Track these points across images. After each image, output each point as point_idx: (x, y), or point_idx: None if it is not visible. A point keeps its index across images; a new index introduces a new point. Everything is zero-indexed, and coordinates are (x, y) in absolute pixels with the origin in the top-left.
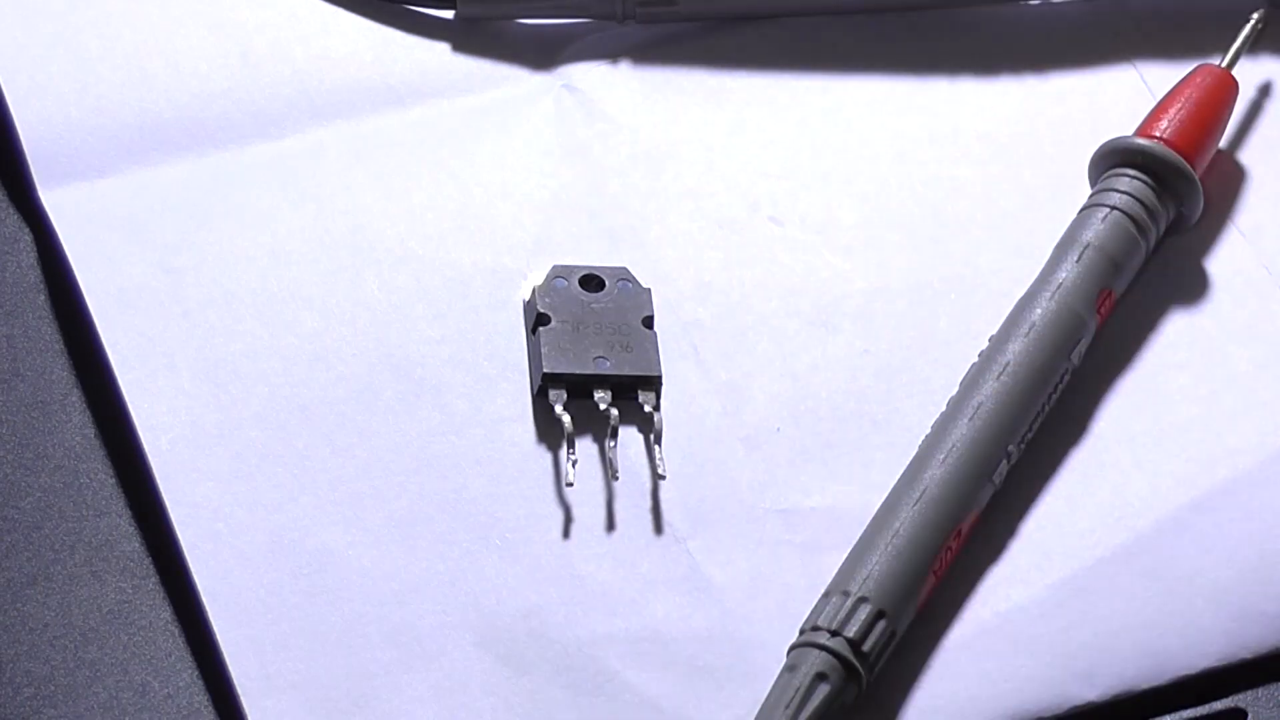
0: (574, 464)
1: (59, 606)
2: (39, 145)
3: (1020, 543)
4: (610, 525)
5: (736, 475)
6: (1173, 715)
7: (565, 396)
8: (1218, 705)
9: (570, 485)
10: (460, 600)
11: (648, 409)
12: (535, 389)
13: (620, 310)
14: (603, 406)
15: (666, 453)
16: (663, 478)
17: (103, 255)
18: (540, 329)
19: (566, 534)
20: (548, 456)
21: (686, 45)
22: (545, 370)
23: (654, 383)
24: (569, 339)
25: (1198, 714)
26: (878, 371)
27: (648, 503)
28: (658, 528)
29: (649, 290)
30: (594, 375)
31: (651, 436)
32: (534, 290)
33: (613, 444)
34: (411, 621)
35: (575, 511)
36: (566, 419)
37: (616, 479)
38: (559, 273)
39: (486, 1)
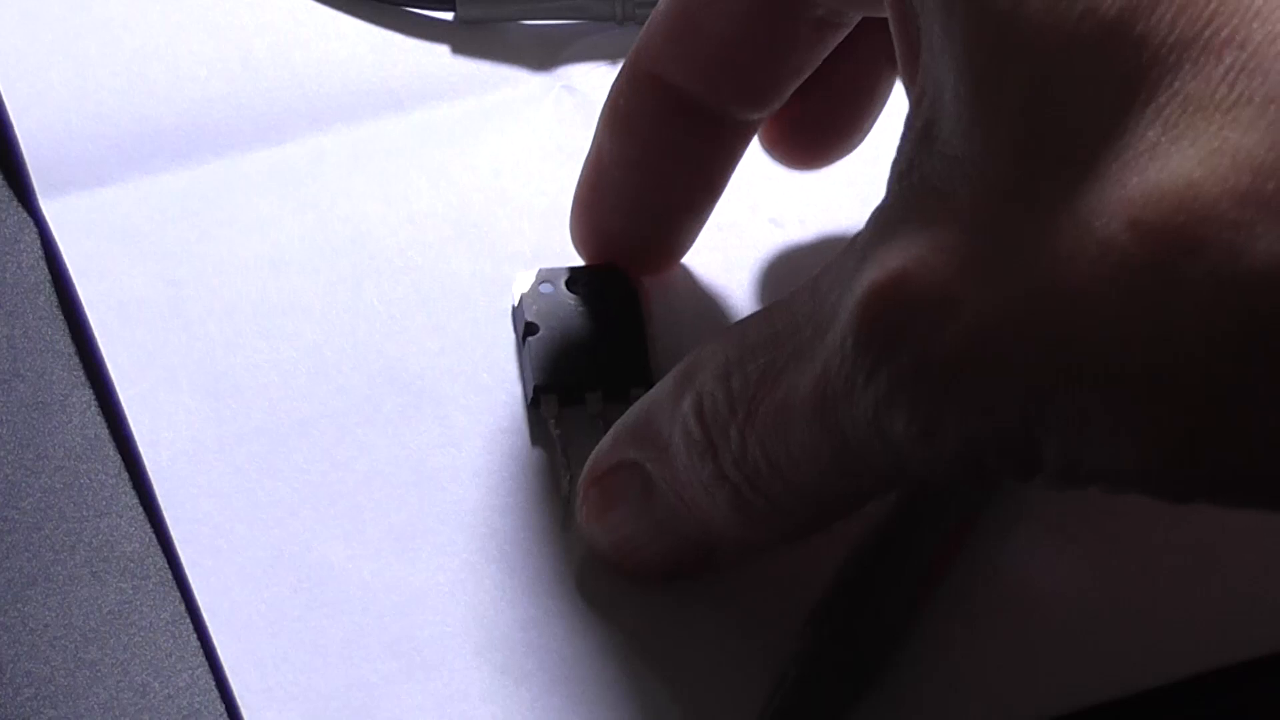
0: (570, 479)
1: (59, 606)
2: (39, 153)
3: (1020, 542)
4: None
5: None
6: (1173, 715)
7: (557, 407)
8: (1218, 705)
9: (567, 497)
10: (460, 611)
11: None
12: (528, 399)
13: (609, 310)
14: (593, 412)
15: None
16: None
17: (103, 266)
18: (529, 339)
19: (565, 544)
20: (546, 467)
21: None
22: (535, 384)
23: (648, 380)
24: (558, 346)
25: (1198, 714)
26: None
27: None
28: None
29: (636, 289)
30: (584, 381)
31: None
32: (521, 297)
33: None
34: (411, 633)
35: (574, 521)
36: (557, 434)
37: None
38: (545, 276)
39: (486, 4)
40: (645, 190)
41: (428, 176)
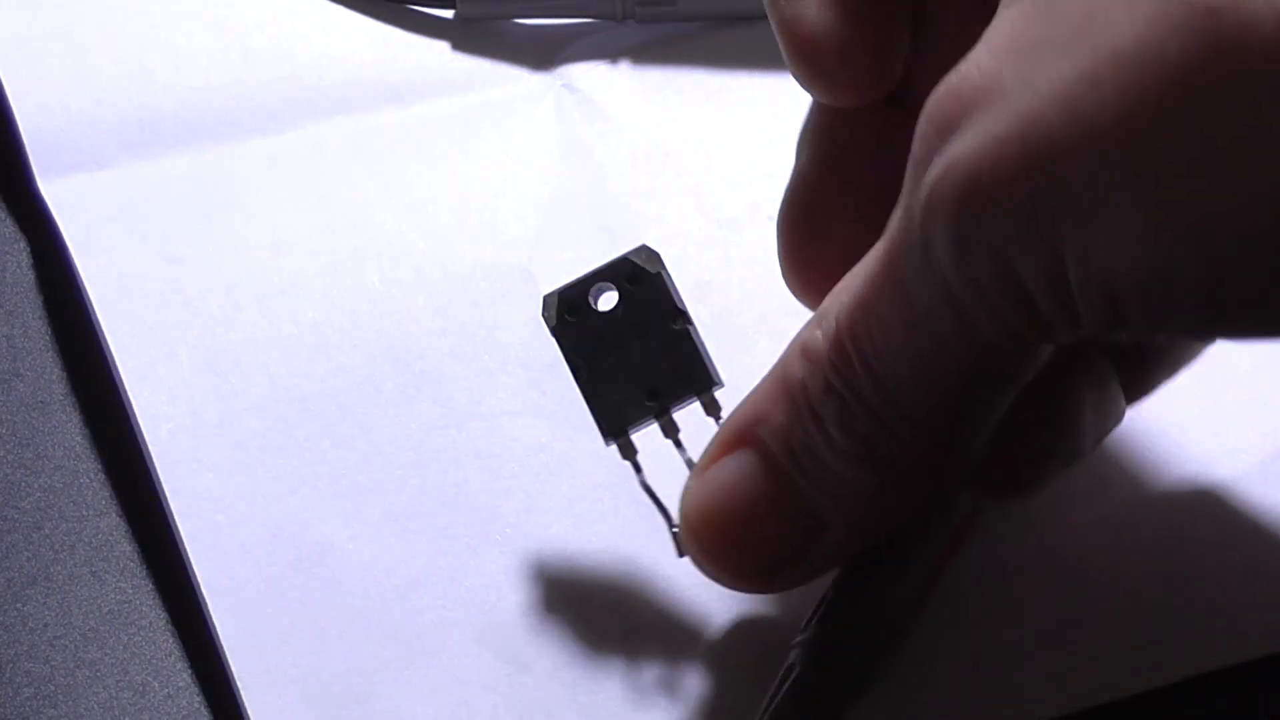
0: (675, 529)
1: (59, 606)
2: (39, 137)
3: (1020, 542)
4: (612, 522)
5: None
6: (1173, 715)
7: (633, 446)
8: (1218, 705)
9: (677, 535)
10: (460, 596)
11: (711, 420)
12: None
13: (643, 319)
14: (669, 435)
15: (664, 451)
16: None
17: (103, 245)
18: (579, 382)
19: (569, 530)
20: (549, 451)
21: (686, 45)
22: (606, 439)
23: (712, 388)
24: (612, 383)
25: (1198, 713)
26: None
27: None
28: (659, 524)
29: (658, 274)
30: (653, 419)
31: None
32: (552, 333)
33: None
34: (411, 617)
35: (577, 507)
36: (641, 480)
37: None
38: (565, 305)
39: (486, 1)
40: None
41: (428, 168)
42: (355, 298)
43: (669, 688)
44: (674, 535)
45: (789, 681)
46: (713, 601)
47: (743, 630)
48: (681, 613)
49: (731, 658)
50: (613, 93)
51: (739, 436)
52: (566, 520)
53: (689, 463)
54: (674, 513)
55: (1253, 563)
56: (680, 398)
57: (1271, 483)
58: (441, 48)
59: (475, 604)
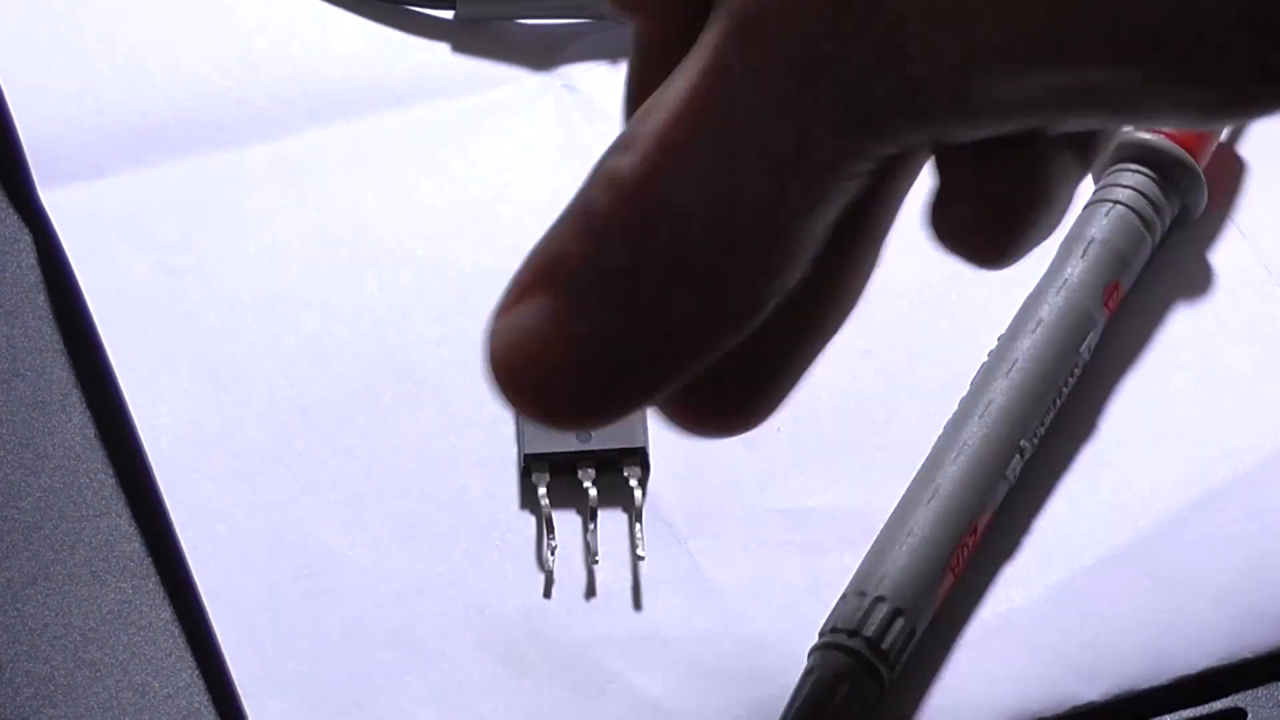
0: (553, 550)
1: (59, 606)
2: (39, 145)
3: (1031, 541)
4: (613, 527)
5: (737, 475)
6: (1173, 715)
7: (548, 477)
8: (1218, 705)
9: (551, 571)
10: (461, 601)
11: (632, 483)
12: (520, 468)
13: None
14: (585, 484)
15: (665, 452)
16: (641, 558)
17: (103, 255)
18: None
19: (568, 536)
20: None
21: None
22: (526, 452)
23: (638, 455)
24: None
25: (1198, 714)
26: (878, 371)
27: (646, 512)
28: (656, 531)
29: None
30: (576, 452)
31: (632, 514)
32: None
33: (592, 527)
34: (412, 622)
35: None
36: (545, 504)
37: (596, 563)
38: None
39: (486, 2)
40: None
41: (428, 171)
42: (355, 306)
43: (669, 691)
44: (550, 549)
45: (809, 684)
46: (712, 605)
47: (742, 632)
48: (693, 615)
49: (731, 660)
50: (613, 93)
51: (539, 278)
52: (568, 527)
53: (593, 509)
54: (556, 535)
55: (1253, 563)
56: (605, 447)
57: (1271, 483)
58: (441, 49)
59: (475, 609)
